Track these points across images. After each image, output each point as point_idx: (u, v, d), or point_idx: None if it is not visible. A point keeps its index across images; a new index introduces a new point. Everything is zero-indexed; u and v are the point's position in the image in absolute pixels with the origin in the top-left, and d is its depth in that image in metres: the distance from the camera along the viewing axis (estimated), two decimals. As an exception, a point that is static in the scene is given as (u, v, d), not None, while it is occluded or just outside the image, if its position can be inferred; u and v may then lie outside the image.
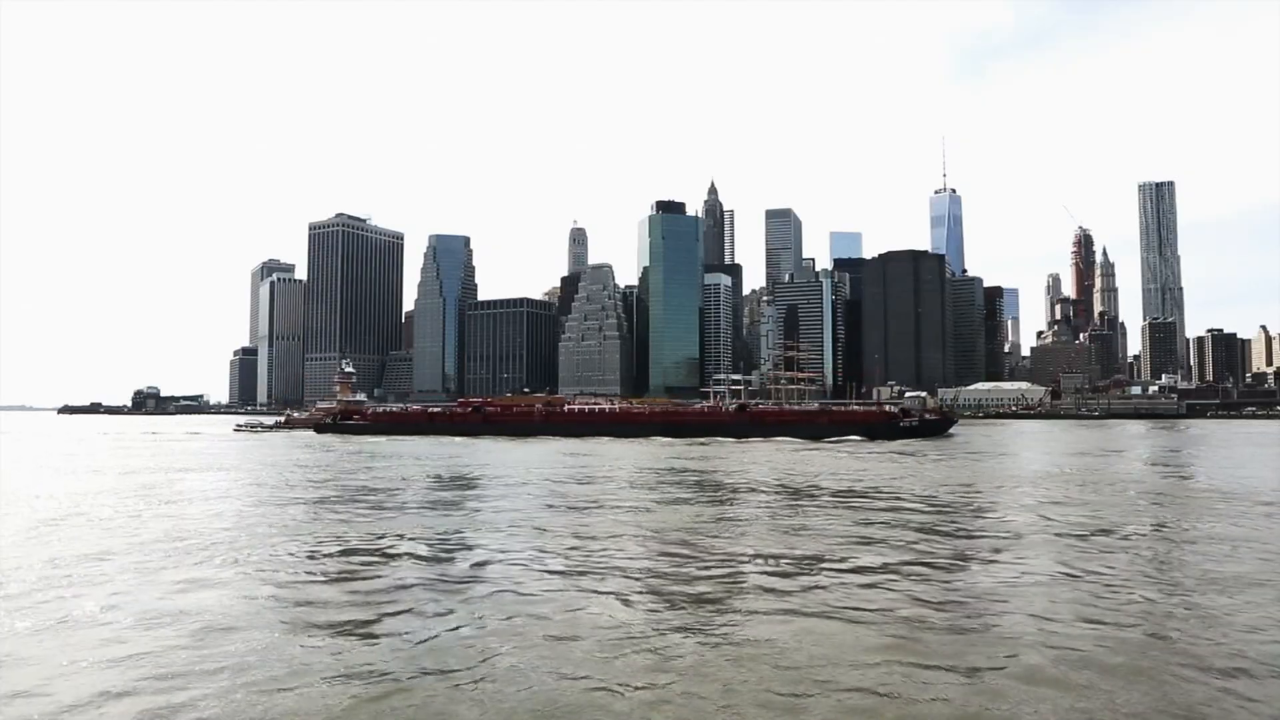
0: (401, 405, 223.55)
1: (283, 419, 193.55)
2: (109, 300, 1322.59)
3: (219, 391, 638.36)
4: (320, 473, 56.91)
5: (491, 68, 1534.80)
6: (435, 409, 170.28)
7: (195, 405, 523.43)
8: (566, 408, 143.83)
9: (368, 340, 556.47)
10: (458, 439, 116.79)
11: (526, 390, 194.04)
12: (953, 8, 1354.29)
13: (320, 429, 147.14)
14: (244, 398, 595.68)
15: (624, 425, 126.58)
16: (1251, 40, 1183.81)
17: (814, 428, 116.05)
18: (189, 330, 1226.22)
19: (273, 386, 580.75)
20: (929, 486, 45.41)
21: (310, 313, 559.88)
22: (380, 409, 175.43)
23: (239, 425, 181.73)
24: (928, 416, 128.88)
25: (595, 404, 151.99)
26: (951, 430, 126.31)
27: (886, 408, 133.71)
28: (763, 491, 43.65)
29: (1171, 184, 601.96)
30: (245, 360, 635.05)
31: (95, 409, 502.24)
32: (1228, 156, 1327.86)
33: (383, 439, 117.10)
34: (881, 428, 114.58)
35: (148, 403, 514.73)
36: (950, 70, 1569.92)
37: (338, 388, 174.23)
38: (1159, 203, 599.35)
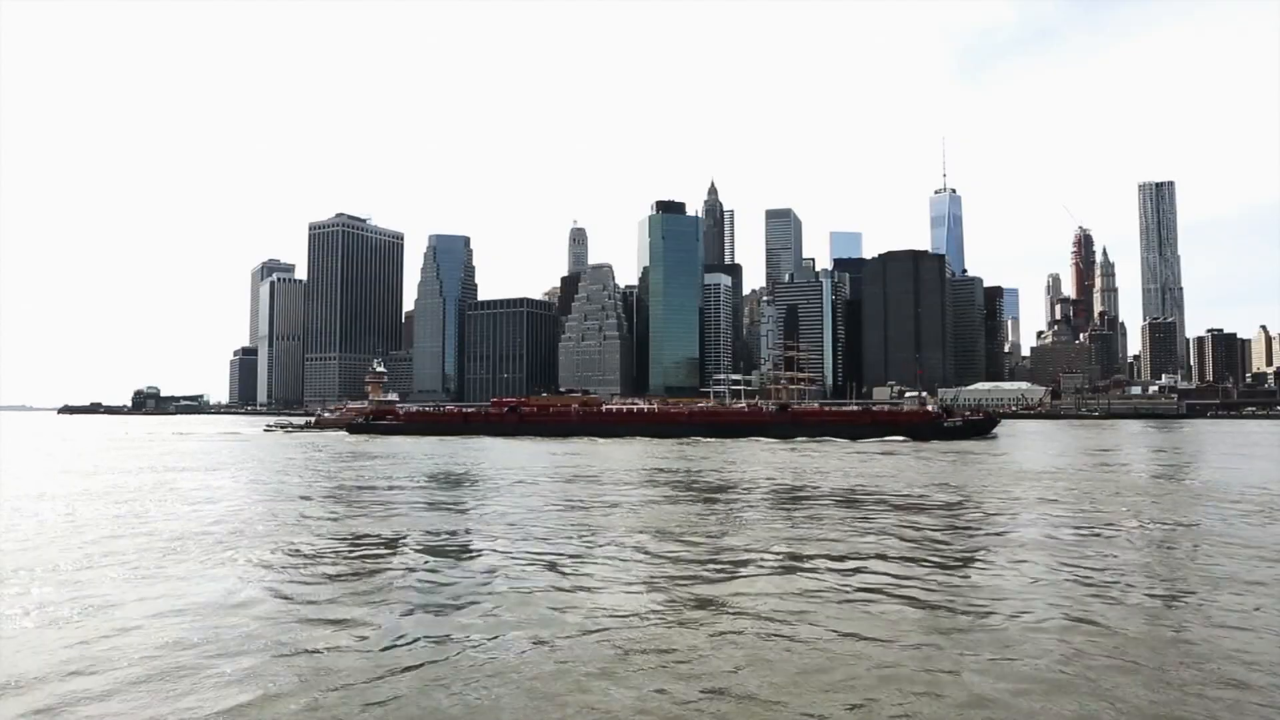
0: (437, 405, 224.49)
1: (313, 419, 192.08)
2: (109, 300, 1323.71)
3: (219, 391, 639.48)
4: (374, 474, 56.12)
5: (491, 68, 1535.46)
6: (470, 409, 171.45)
7: (195, 405, 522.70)
8: (605, 408, 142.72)
9: (367, 340, 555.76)
10: (496, 439, 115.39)
11: (562, 390, 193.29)
12: (954, 6, 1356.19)
13: (353, 429, 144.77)
14: (244, 398, 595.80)
15: (663, 425, 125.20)
16: (1251, 40, 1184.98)
17: (856, 428, 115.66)
18: (189, 330, 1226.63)
19: (273, 386, 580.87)
20: (993, 491, 44.06)
21: (310, 313, 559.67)
22: (414, 409, 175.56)
23: (269, 426, 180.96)
24: (972, 417, 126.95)
25: (633, 404, 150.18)
26: (995, 431, 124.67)
27: (929, 408, 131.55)
28: (819, 494, 42.82)
29: (1171, 184, 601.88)
30: (245, 360, 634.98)
31: (95, 409, 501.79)
32: (1228, 156, 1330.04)
33: (420, 439, 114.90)
34: (925, 428, 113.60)
35: (148, 403, 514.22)
36: (951, 70, 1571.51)
37: (369, 388, 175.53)
38: (1159, 203, 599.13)
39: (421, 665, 14.02)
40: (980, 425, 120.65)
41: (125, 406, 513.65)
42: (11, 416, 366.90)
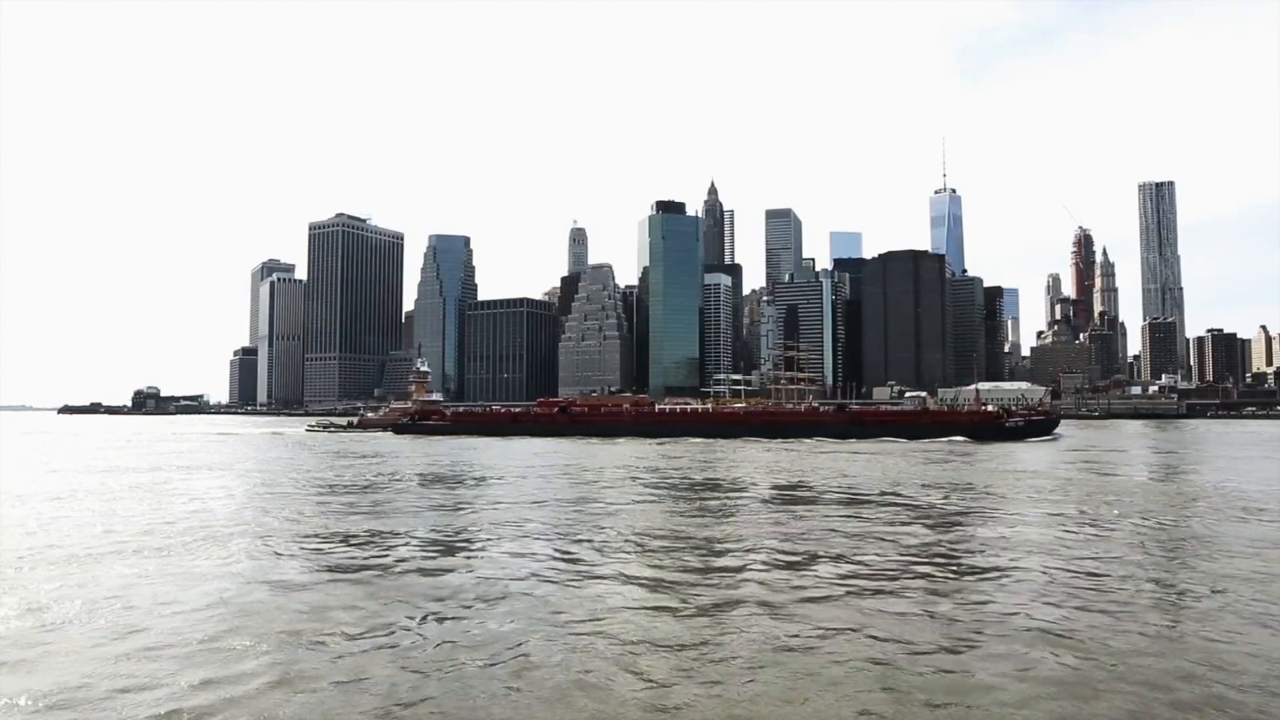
0: (484, 405, 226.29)
1: (355, 419, 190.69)
2: (109, 300, 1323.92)
3: (219, 391, 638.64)
4: (442, 473, 55.96)
5: (491, 68, 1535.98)
6: (518, 408, 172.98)
7: (195, 405, 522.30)
8: (658, 408, 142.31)
9: (368, 340, 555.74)
10: (547, 439, 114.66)
11: (614, 391, 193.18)
12: (954, 6, 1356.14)
13: (399, 430, 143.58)
14: (244, 398, 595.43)
15: (719, 425, 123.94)
16: (1251, 40, 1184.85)
17: (916, 428, 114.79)
18: (189, 330, 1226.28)
19: (273, 387, 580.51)
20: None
21: (310, 313, 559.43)
22: (460, 409, 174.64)
23: (311, 426, 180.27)
24: (1033, 417, 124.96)
25: (685, 404, 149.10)
26: (1057, 430, 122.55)
27: (988, 407, 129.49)
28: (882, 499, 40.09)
29: (1171, 184, 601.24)
30: (245, 360, 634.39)
31: (95, 409, 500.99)
32: (1228, 156, 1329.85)
33: (469, 440, 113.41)
34: (986, 429, 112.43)
35: (148, 403, 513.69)
36: (951, 69, 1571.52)
37: (413, 388, 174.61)
38: (1159, 203, 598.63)
39: (422, 664, 14.02)
40: (1042, 425, 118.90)
41: (125, 406, 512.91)
42: (12, 416, 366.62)
